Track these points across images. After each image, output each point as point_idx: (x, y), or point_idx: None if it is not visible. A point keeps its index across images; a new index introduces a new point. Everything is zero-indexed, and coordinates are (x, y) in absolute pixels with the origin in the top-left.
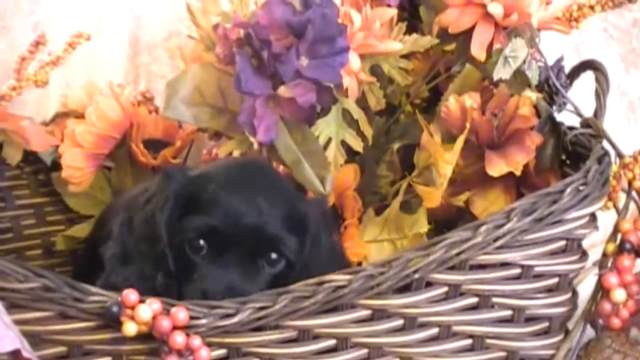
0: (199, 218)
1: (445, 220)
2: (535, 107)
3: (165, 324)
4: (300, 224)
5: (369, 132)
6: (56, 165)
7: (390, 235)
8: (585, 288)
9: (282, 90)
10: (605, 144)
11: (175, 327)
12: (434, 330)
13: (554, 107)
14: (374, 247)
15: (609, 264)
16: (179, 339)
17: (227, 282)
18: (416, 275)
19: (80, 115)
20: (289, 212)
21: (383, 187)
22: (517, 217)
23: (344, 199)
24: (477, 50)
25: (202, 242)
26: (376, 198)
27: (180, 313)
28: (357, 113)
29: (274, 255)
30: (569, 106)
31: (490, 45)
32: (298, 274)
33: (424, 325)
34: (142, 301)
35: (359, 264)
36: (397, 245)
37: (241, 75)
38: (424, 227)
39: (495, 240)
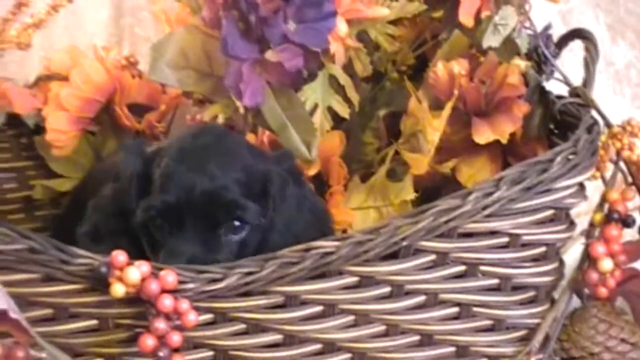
0: (153, 197)
1: (430, 188)
2: (524, 75)
3: (153, 286)
4: (261, 185)
5: (355, 98)
6: (39, 129)
7: (376, 203)
8: (571, 258)
9: (269, 55)
10: (593, 113)
11: (163, 290)
12: (421, 298)
13: (543, 76)
14: (359, 214)
15: (596, 234)
16: (167, 302)
17: (188, 256)
18: (404, 243)
19: (63, 78)
20: (247, 176)
21: (368, 154)
22: (506, 185)
23: (329, 166)
24: (465, 17)
25: (160, 220)
26: (361, 165)
27: (169, 276)
28: (344, 79)
29: (236, 223)
30: (557, 75)
31: (478, 12)
32: (275, 237)
33: (410, 293)
34: (130, 263)
35: (344, 231)
36: (382, 212)
37: (227, 39)
38: (409, 194)
39: (484, 208)
